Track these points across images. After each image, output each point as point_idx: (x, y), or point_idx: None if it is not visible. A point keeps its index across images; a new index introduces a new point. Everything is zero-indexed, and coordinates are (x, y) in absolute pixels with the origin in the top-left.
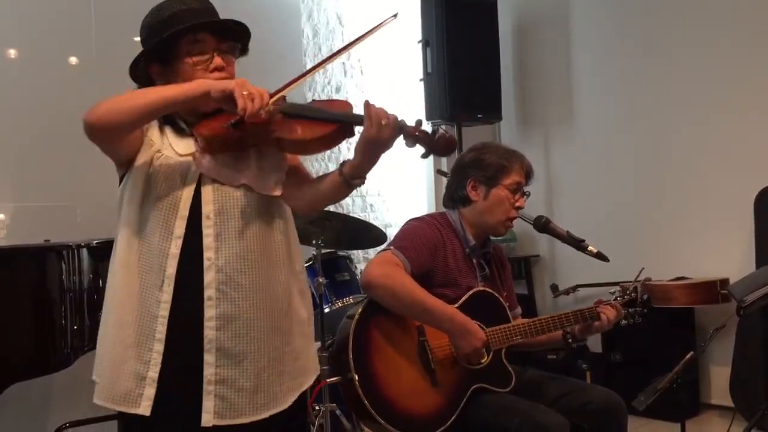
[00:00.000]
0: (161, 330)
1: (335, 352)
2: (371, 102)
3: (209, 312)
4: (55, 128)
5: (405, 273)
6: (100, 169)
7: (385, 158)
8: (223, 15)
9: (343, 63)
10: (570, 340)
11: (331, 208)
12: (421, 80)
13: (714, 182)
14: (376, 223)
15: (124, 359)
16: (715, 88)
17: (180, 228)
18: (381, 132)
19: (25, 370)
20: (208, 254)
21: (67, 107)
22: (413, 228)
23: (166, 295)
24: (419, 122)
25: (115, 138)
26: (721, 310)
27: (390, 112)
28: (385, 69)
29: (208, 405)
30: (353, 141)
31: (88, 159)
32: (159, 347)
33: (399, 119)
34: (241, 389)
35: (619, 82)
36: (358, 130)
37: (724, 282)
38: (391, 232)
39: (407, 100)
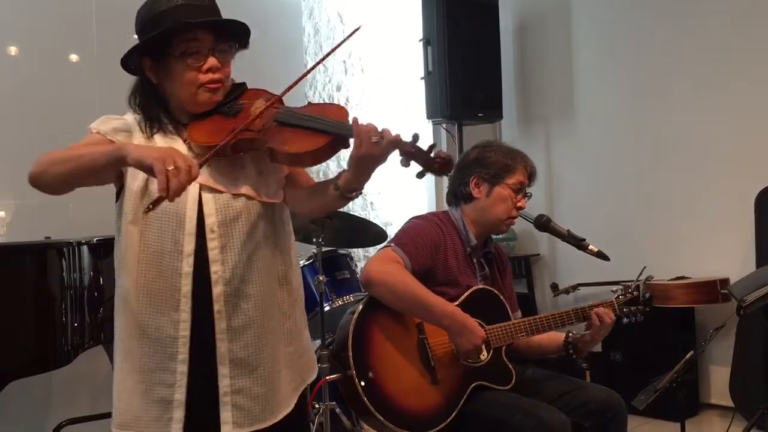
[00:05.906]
0: (183, 351)
1: (335, 350)
2: (359, 119)
3: (220, 324)
4: (56, 125)
5: (405, 270)
6: None
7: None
8: (224, 12)
9: (344, 61)
10: (571, 351)
11: None
12: (422, 79)
13: (715, 182)
14: (376, 221)
15: (148, 386)
16: (716, 88)
17: (190, 245)
18: (372, 149)
19: (25, 368)
20: (215, 267)
21: (67, 104)
22: (415, 226)
23: (185, 314)
24: (416, 137)
25: (64, 191)
26: (721, 310)
27: (383, 127)
28: (386, 67)
29: (226, 416)
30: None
31: None
32: (183, 368)
33: (394, 134)
34: (256, 397)
35: (620, 81)
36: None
37: (725, 282)
38: (392, 231)
39: (408, 98)
